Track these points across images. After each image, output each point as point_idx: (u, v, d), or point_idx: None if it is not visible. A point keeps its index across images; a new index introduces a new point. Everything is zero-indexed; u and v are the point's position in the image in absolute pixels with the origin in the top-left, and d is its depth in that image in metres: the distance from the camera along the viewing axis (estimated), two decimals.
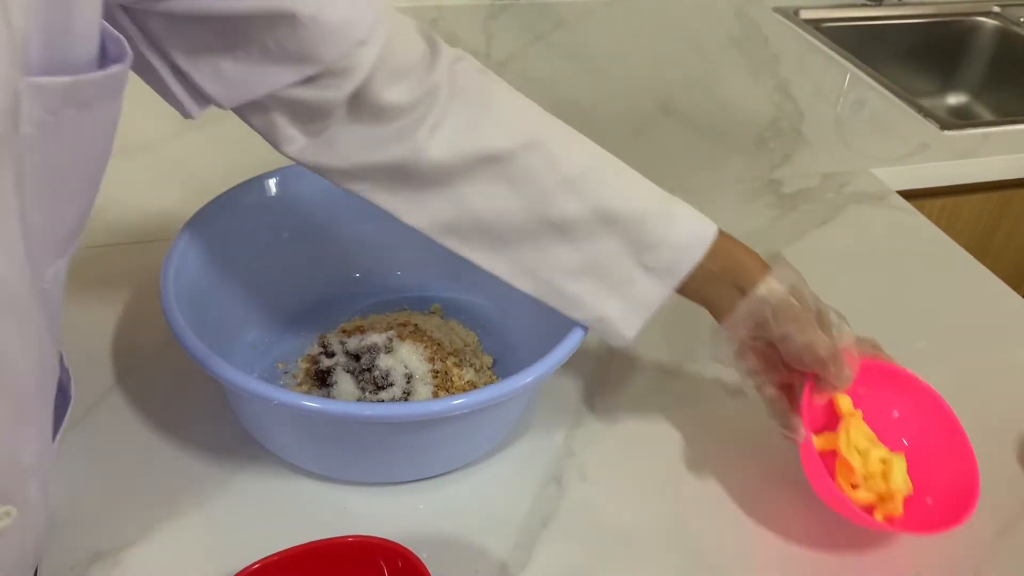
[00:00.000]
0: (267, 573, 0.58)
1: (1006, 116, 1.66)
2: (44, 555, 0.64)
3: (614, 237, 0.66)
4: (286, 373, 0.78)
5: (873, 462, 0.69)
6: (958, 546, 0.71)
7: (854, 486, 0.69)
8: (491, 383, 0.72)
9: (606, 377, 0.83)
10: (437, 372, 0.78)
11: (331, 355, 0.77)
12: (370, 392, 0.75)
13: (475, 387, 0.78)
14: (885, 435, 0.72)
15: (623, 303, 0.68)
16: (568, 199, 0.65)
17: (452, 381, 0.78)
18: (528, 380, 0.64)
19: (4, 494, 0.47)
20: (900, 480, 0.68)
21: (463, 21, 1.45)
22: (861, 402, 0.72)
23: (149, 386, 0.77)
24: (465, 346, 0.82)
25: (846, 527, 0.70)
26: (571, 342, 0.67)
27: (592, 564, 0.67)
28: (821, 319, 0.68)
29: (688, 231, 0.68)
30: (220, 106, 0.58)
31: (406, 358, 0.76)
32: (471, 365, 0.80)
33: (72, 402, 0.62)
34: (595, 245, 0.66)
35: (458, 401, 0.62)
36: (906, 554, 0.71)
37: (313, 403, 0.61)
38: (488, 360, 0.82)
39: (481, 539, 0.68)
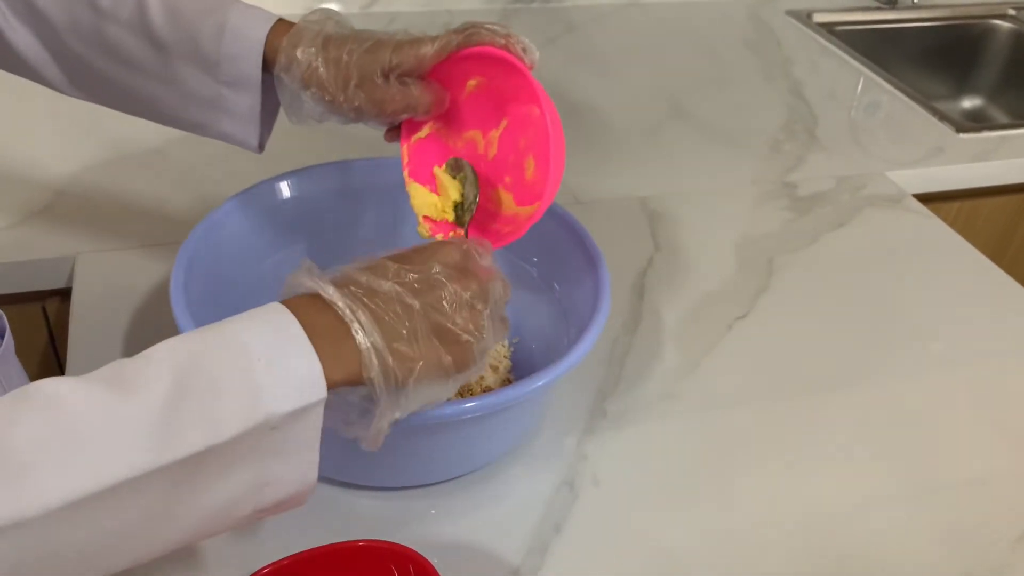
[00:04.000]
0: None
1: (1022, 119, 1.65)
2: None
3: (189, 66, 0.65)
4: None
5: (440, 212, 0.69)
6: (976, 550, 0.70)
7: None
8: (504, 386, 0.71)
9: (618, 380, 0.82)
10: None
11: None
12: None
13: (491, 390, 0.77)
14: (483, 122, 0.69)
15: (231, 120, 0.67)
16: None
17: (470, 388, 0.77)
18: (540, 384, 0.63)
19: None
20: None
21: None
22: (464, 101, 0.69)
23: None
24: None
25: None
26: (584, 345, 0.66)
27: (606, 569, 0.67)
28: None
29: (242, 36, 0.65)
30: None
31: None
32: (492, 368, 0.80)
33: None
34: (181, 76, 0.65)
35: (470, 404, 0.62)
36: (921, 555, 0.70)
37: None
38: (508, 364, 0.81)
39: (493, 544, 0.67)
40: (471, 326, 0.53)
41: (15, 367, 0.72)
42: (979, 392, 0.86)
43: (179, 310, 0.65)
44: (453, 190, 0.69)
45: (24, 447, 0.39)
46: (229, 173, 1.01)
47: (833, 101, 1.36)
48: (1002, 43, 1.69)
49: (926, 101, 1.35)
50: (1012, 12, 1.70)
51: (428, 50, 0.63)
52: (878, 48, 1.58)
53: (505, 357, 0.82)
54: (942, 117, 1.31)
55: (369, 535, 0.61)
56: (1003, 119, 1.68)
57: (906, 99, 1.36)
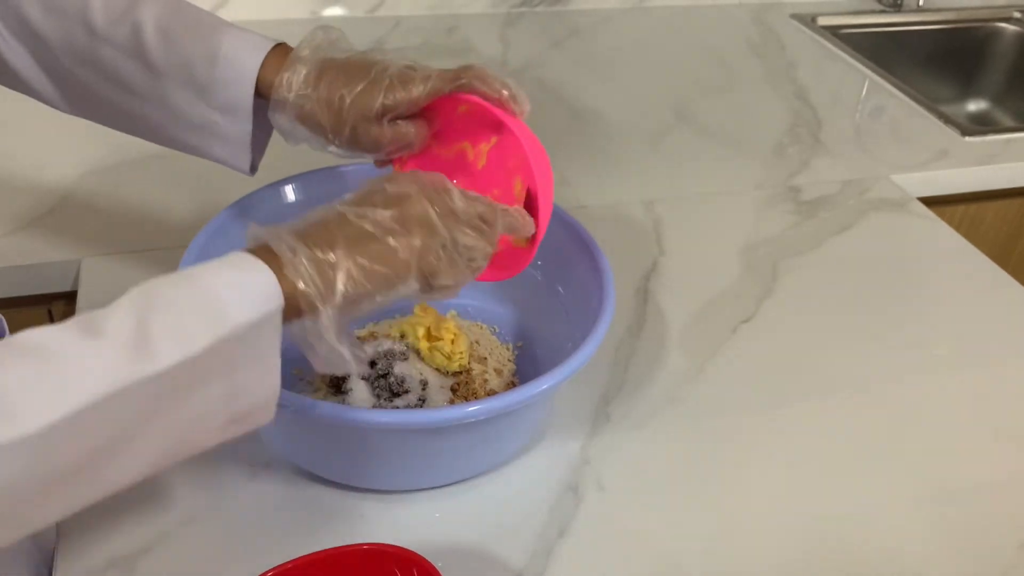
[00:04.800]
0: None
1: None
2: (59, 561, 0.64)
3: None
4: (302, 380, 0.78)
5: None
6: (982, 555, 0.70)
7: None
8: (509, 389, 0.71)
9: (622, 384, 0.82)
10: (463, 371, 0.78)
11: None
12: (385, 399, 0.75)
13: (495, 394, 0.77)
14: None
15: (222, 144, 0.68)
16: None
17: (475, 392, 0.77)
18: (544, 387, 0.63)
19: None
20: None
21: (480, 29, 1.45)
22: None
23: None
24: (489, 354, 0.82)
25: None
26: (588, 349, 0.66)
27: (610, 573, 0.67)
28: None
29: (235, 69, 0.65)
30: None
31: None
32: (496, 372, 0.80)
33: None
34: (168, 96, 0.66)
35: (473, 408, 0.62)
36: (926, 559, 0.70)
37: (328, 410, 0.61)
38: (512, 367, 0.82)
39: (497, 548, 0.67)
40: (395, 225, 0.54)
41: None
42: (985, 396, 0.86)
43: None
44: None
45: (10, 385, 0.41)
46: (234, 177, 1.01)
47: (838, 105, 1.36)
48: (1007, 46, 1.69)
49: (931, 104, 1.35)
50: (1017, 15, 1.69)
51: (420, 93, 0.63)
52: (883, 51, 1.58)
53: (509, 360, 0.82)
54: (947, 120, 1.31)
55: (373, 539, 0.61)
56: (1008, 122, 1.68)
57: (911, 102, 1.36)
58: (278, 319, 0.49)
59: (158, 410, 0.46)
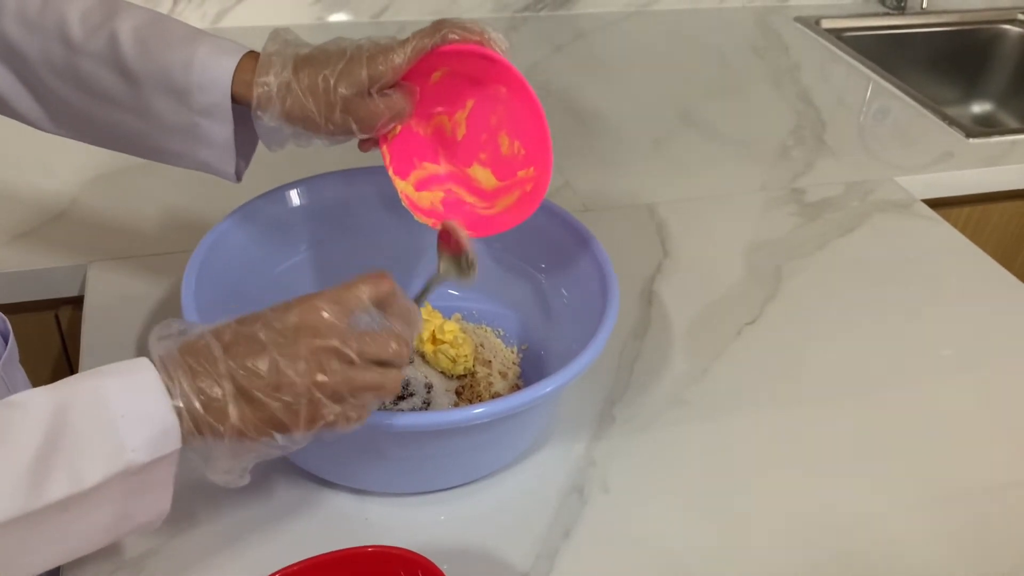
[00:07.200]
0: None
1: None
2: (66, 565, 0.64)
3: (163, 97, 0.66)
4: None
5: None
6: (991, 556, 0.70)
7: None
8: (513, 391, 0.72)
9: (627, 386, 0.83)
10: (468, 374, 0.78)
11: None
12: (390, 402, 0.75)
13: (500, 396, 0.78)
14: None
15: (207, 149, 0.68)
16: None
17: (479, 395, 0.78)
18: (548, 390, 0.64)
19: None
20: None
21: None
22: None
23: None
24: (494, 357, 0.82)
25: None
26: (592, 351, 0.66)
27: (615, 575, 0.67)
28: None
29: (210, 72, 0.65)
30: None
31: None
32: (500, 375, 0.80)
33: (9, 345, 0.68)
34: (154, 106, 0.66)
35: (478, 410, 0.62)
36: (935, 560, 0.69)
37: None
38: (517, 370, 0.82)
39: (502, 550, 0.68)
40: (285, 395, 0.52)
41: (19, 373, 0.73)
42: (991, 398, 0.86)
43: (190, 318, 0.66)
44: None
45: None
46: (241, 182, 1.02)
47: (842, 107, 1.36)
48: (1011, 48, 1.69)
49: (935, 106, 1.35)
50: (1021, 17, 1.69)
51: (401, 59, 0.64)
52: (887, 53, 1.58)
53: (514, 363, 0.82)
54: (951, 122, 1.31)
55: (379, 541, 0.61)
56: (1013, 124, 1.68)
57: (915, 104, 1.36)
58: (175, 456, 0.51)
59: (45, 533, 0.48)
